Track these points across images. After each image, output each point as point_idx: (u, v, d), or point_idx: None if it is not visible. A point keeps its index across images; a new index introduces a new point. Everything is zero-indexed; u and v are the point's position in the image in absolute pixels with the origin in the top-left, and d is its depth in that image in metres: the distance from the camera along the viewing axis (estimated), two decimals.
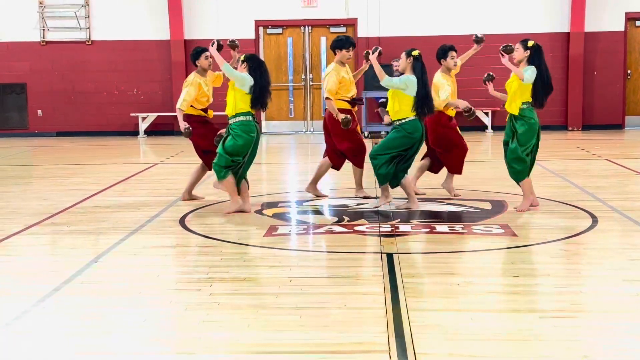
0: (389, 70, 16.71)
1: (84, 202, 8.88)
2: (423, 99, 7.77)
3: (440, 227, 7.23)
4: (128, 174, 11.24)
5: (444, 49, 8.64)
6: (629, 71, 17.76)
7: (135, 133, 17.92)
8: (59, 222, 7.77)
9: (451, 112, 8.54)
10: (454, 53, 8.59)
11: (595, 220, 7.41)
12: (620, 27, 17.49)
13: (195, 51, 8.70)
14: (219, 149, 7.78)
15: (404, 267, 5.77)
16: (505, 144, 7.86)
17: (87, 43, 18.04)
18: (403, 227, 7.22)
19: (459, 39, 17.05)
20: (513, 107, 7.73)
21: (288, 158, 14.46)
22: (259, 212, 8.09)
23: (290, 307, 4.86)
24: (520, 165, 7.74)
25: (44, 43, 18.06)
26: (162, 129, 18.01)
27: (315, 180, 8.89)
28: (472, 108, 8.22)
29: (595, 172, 10.63)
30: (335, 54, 8.70)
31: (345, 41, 8.63)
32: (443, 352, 4.08)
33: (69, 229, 7.47)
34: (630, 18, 17.55)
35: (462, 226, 7.26)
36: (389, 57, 17.28)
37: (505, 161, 7.87)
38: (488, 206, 8.26)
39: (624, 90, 17.68)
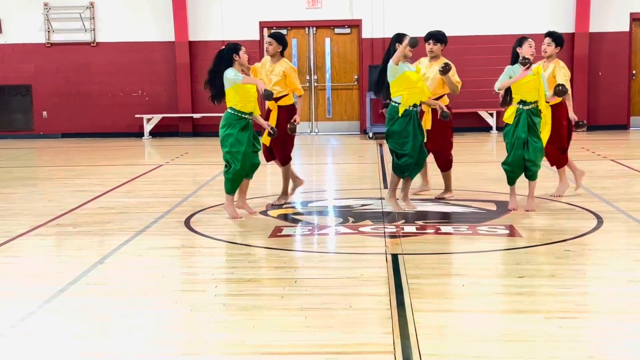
0: None
1: (90, 204, 8.90)
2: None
3: (445, 228, 7.22)
4: (133, 175, 11.25)
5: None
6: (634, 71, 17.73)
7: (140, 134, 17.95)
8: (65, 224, 7.79)
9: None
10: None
11: (600, 221, 7.40)
12: (625, 28, 17.47)
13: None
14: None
15: (409, 268, 5.77)
16: (525, 140, 7.75)
17: (92, 44, 18.07)
18: (408, 228, 7.22)
19: (465, 40, 17.12)
20: (543, 103, 7.84)
21: (292, 159, 14.44)
22: (264, 213, 8.10)
23: (295, 308, 4.87)
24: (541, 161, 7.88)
25: (49, 45, 18.10)
26: (167, 130, 18.03)
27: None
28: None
29: (601, 173, 10.61)
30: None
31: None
32: (448, 353, 4.08)
33: (74, 230, 7.49)
34: (635, 18, 17.53)
35: (467, 227, 7.26)
36: None
37: (531, 160, 7.76)
38: (493, 207, 8.25)
39: (629, 91, 17.66)
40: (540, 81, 7.72)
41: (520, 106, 7.72)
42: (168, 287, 5.52)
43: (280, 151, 8.45)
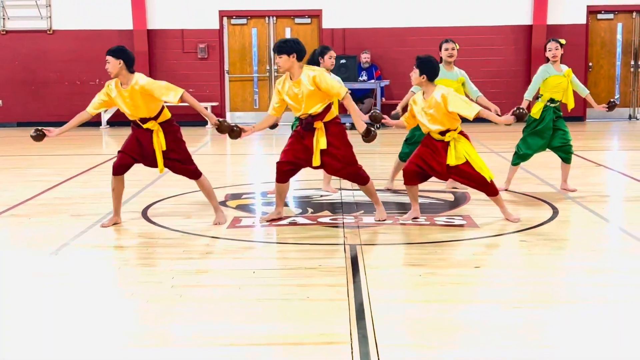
0: (353, 62, 16.75)
1: (45, 194, 8.78)
2: None
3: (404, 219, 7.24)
4: (90, 165, 11.13)
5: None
6: (590, 64, 17.96)
7: (97, 124, 17.73)
8: (20, 214, 7.67)
9: None
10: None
11: (555, 211, 7.49)
12: (582, 20, 17.68)
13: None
14: None
15: (367, 258, 5.78)
16: (550, 134, 8.51)
17: (48, 32, 17.81)
18: (366, 219, 7.23)
19: (424, 31, 17.20)
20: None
21: (252, 149, 14.39)
22: (223, 203, 8.05)
23: (253, 299, 4.85)
24: None
25: (4, 32, 17.79)
26: (124, 119, 17.65)
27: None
28: None
29: (556, 164, 10.66)
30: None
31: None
32: (405, 343, 4.10)
33: (29, 220, 7.38)
34: (592, 11, 17.76)
35: (424, 217, 7.30)
36: (354, 49, 17.31)
37: (567, 139, 8.58)
38: (451, 198, 8.31)
39: (586, 83, 17.83)
40: (569, 83, 8.49)
41: (548, 104, 8.43)
42: (124, 278, 5.47)
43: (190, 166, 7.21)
